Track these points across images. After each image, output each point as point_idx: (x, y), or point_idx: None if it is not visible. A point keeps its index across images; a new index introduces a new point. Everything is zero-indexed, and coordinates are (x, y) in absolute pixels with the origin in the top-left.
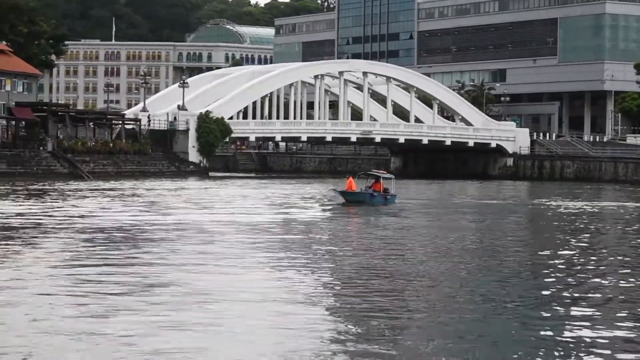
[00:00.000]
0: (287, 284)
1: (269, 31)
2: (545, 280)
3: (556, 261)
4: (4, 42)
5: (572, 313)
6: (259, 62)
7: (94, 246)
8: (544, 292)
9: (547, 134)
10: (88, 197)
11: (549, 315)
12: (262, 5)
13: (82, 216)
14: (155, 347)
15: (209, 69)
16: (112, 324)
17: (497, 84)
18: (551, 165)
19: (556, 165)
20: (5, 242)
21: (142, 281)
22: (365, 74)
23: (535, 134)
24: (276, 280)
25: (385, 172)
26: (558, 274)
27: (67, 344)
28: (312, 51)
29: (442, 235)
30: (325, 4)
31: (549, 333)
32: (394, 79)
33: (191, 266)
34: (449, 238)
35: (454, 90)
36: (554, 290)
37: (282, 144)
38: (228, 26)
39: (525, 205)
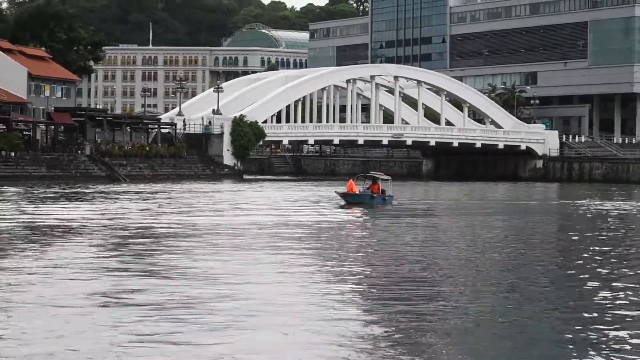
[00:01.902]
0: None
1: (304, 35)
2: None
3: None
4: (44, 49)
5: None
6: (294, 66)
7: (143, 247)
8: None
9: (577, 136)
10: (145, 200)
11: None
12: (298, 9)
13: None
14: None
15: (245, 73)
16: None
17: (528, 87)
18: (580, 167)
19: (585, 167)
20: (52, 241)
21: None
22: (396, 78)
23: (564, 136)
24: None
25: (382, 173)
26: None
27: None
28: (346, 55)
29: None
30: (361, 7)
31: (589, 335)
32: (425, 82)
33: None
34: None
35: (485, 93)
36: (596, 291)
37: (308, 147)
38: (264, 30)
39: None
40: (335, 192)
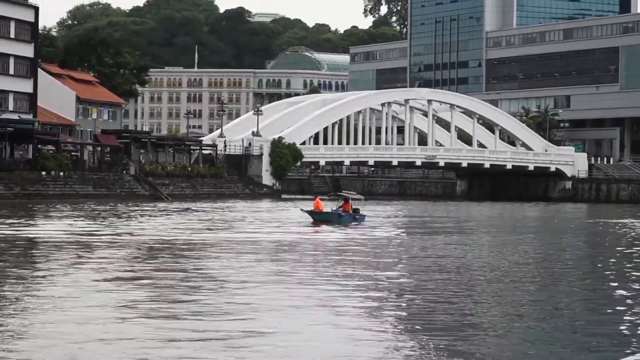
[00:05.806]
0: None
1: (346, 58)
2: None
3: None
4: (91, 73)
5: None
6: (336, 89)
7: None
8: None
9: (606, 158)
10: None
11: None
12: (342, 32)
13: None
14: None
15: (288, 95)
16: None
17: (561, 110)
18: (607, 188)
19: (612, 188)
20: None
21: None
22: (429, 101)
23: (593, 158)
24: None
25: (354, 193)
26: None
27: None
28: (385, 78)
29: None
30: (404, 30)
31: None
32: (457, 106)
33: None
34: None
35: (518, 116)
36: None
37: (346, 168)
38: (306, 53)
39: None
40: (301, 209)
